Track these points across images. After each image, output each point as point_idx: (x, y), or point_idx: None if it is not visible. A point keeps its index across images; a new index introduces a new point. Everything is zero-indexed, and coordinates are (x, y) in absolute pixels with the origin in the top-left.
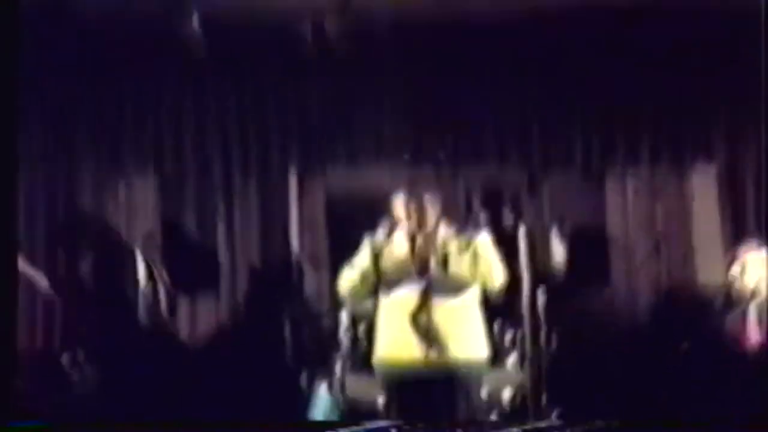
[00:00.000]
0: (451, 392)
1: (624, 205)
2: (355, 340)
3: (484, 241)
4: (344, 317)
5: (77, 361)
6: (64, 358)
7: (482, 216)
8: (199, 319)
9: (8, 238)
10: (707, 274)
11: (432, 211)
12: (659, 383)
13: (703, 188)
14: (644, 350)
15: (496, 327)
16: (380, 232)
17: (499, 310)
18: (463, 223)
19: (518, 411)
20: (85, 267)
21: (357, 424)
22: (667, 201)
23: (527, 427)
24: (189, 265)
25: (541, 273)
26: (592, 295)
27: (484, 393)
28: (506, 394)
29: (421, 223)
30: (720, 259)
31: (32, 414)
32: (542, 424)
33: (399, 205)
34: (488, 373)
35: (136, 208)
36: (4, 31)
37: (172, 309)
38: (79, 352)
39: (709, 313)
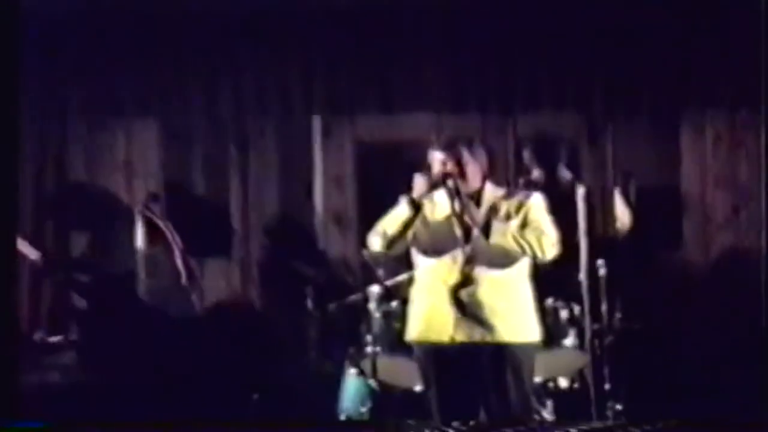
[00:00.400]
0: (497, 380)
1: (701, 158)
2: (388, 315)
3: (537, 203)
4: (376, 288)
5: (69, 342)
6: (55, 338)
7: (535, 174)
8: (208, 290)
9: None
10: None
11: (476, 168)
12: (740, 374)
13: None
14: (723, 332)
15: (550, 303)
16: (418, 190)
17: (553, 283)
18: (513, 182)
19: (576, 402)
20: (78, 237)
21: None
22: (752, 153)
23: (584, 427)
24: (197, 229)
25: (603, 240)
26: (662, 266)
27: (536, 381)
28: (563, 382)
29: (463, 182)
30: None
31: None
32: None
33: (438, 160)
34: (541, 358)
35: (135, 164)
36: None
37: (191, 276)
38: (72, 332)
39: None
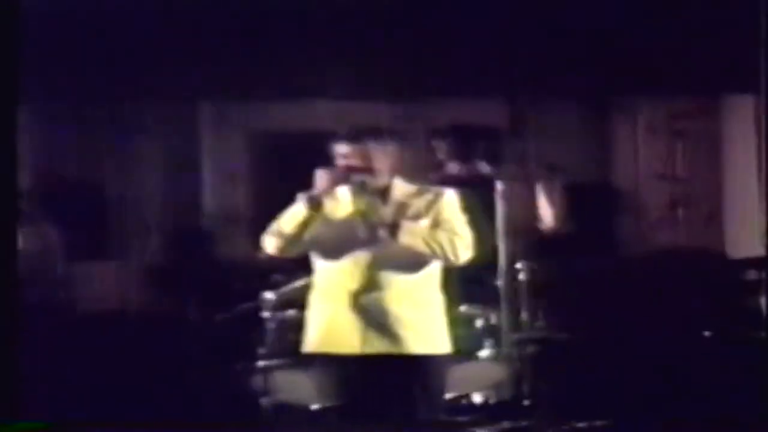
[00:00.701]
0: (405, 396)
1: (634, 148)
2: (283, 325)
3: (450, 201)
4: (270, 295)
5: None
6: None
7: (449, 169)
8: (82, 298)
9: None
10: (740, 240)
11: (384, 162)
12: (672, 378)
13: (740, 126)
14: (656, 338)
15: (464, 310)
16: (319, 186)
17: (468, 288)
18: (425, 178)
19: (491, 420)
20: None
21: None
22: (690, 143)
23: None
24: (70, 229)
25: (524, 241)
26: (590, 269)
27: (447, 396)
28: (477, 397)
29: (370, 177)
30: (759, 222)
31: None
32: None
33: (341, 153)
34: (454, 371)
35: None
36: None
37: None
38: None
39: (741, 292)
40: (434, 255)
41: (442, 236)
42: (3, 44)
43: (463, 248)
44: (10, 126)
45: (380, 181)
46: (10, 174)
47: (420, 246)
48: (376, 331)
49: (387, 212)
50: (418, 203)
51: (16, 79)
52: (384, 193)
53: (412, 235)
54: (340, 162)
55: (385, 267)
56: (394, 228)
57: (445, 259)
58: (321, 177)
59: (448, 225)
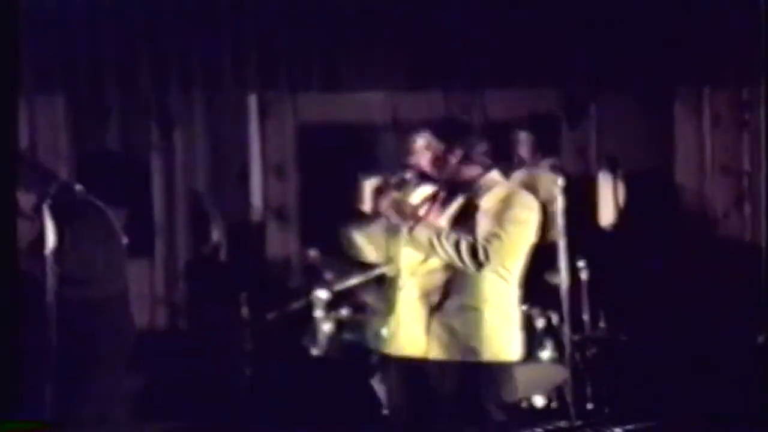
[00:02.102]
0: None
1: (698, 142)
2: (340, 324)
3: (487, 196)
4: (323, 294)
5: None
6: None
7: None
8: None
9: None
10: None
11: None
12: (733, 379)
13: None
14: (719, 337)
15: (523, 311)
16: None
17: (528, 288)
18: None
19: (553, 424)
20: None
21: None
22: (755, 135)
23: None
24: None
25: (585, 238)
26: (652, 267)
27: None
28: (539, 400)
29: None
30: None
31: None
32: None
33: (422, 145)
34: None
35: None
36: None
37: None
38: None
39: None
40: (444, 259)
41: (450, 239)
42: (3, 43)
43: (471, 253)
44: (9, 123)
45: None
46: (10, 173)
47: (427, 249)
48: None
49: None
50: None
51: (15, 79)
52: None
53: (420, 235)
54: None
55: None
56: (411, 228)
57: (454, 263)
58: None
59: (478, 224)
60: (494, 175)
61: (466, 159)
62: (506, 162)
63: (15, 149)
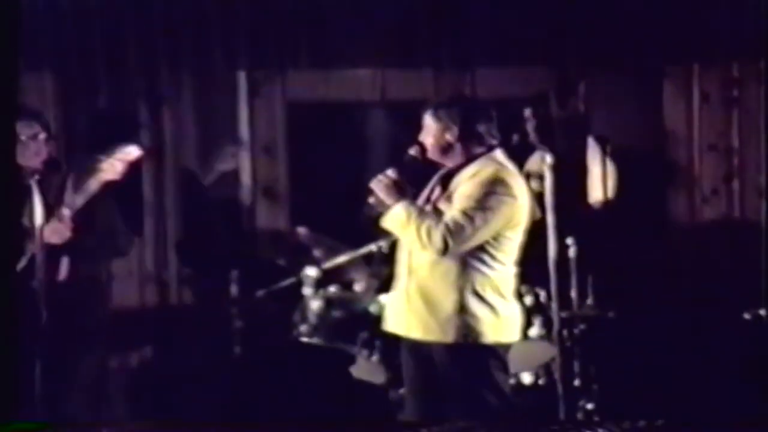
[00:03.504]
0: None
1: (688, 117)
2: (330, 302)
3: (467, 176)
4: (312, 272)
5: None
6: None
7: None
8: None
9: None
10: None
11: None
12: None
13: None
14: (711, 321)
15: None
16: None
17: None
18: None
19: (541, 400)
20: None
21: None
22: (747, 113)
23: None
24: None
25: (573, 215)
26: (642, 244)
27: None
28: (526, 377)
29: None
30: None
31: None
32: None
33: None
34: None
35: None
36: None
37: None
38: None
39: None
40: (413, 240)
41: (416, 222)
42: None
43: (441, 238)
44: (10, 121)
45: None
46: (10, 171)
47: (400, 233)
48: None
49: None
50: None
51: (15, 76)
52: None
53: (392, 221)
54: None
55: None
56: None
57: (421, 246)
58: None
59: (449, 207)
60: (496, 154)
61: (470, 138)
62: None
63: (14, 146)
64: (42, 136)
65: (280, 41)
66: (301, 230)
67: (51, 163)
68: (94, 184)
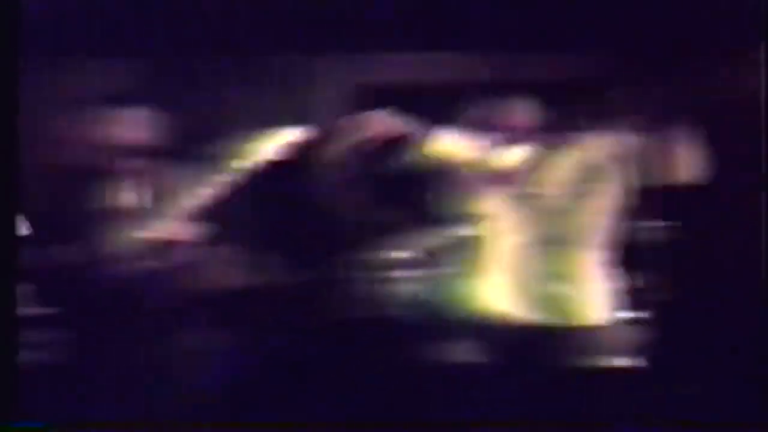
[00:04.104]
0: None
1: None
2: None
3: None
4: (401, 253)
5: None
6: None
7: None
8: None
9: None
10: None
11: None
12: None
13: None
14: None
15: None
16: None
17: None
18: None
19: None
20: None
21: None
22: None
23: None
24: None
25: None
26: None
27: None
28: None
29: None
30: None
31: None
32: None
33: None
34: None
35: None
36: None
37: None
38: None
39: None
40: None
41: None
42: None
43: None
44: (9, 118)
45: None
46: (10, 169)
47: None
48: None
49: None
50: None
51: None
52: None
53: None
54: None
55: None
56: None
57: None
58: None
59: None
60: (586, 138)
61: (559, 122)
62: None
63: (17, 144)
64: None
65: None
66: (389, 210)
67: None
68: (241, 164)
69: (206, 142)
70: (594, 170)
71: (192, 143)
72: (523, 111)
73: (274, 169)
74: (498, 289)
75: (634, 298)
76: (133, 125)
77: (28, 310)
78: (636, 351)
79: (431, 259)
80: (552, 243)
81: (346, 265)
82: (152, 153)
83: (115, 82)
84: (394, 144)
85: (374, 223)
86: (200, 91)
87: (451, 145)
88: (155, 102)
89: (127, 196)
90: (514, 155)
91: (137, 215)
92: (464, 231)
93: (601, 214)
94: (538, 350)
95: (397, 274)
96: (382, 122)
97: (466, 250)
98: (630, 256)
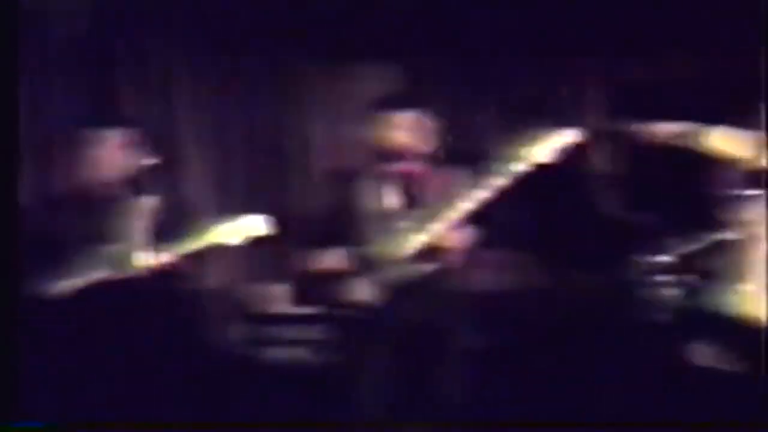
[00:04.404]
0: None
1: None
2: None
3: None
4: (663, 257)
5: None
6: None
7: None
8: None
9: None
10: None
11: None
12: None
13: None
14: None
15: None
16: None
17: None
18: None
19: None
20: None
21: None
22: None
23: None
24: None
25: None
26: None
27: None
28: None
29: None
30: None
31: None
32: None
33: None
34: None
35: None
36: None
37: None
38: None
39: None
40: None
41: None
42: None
43: None
44: (9, 120)
45: None
46: (10, 168)
47: None
48: None
49: None
50: None
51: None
52: None
53: None
54: None
55: None
56: None
57: None
58: None
59: None
60: None
61: None
62: None
63: (16, 143)
64: None
65: None
66: (650, 215)
67: None
68: (519, 167)
69: (479, 144)
70: None
71: (465, 146)
72: None
73: (547, 171)
74: (755, 295)
75: None
76: (405, 128)
77: (295, 309)
78: None
79: (691, 263)
80: None
81: (614, 268)
82: (424, 156)
83: (388, 86)
84: (668, 146)
85: (637, 226)
86: (474, 94)
87: (725, 142)
88: (427, 105)
89: (398, 200)
90: None
91: (408, 219)
92: (724, 235)
93: None
94: None
95: (658, 278)
96: (657, 127)
97: (725, 255)
98: None
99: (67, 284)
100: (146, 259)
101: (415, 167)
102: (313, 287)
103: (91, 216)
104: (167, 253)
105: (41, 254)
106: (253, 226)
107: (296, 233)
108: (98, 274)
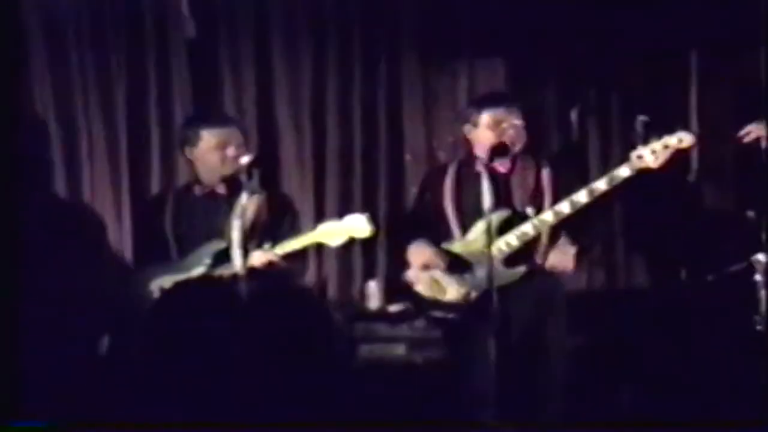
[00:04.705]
0: None
1: None
2: None
3: None
4: (762, 257)
5: None
6: None
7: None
8: None
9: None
10: None
11: None
12: None
13: None
14: None
15: None
16: None
17: None
18: None
19: None
20: None
21: None
22: None
23: None
24: None
25: None
26: None
27: None
28: None
29: None
30: None
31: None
32: None
33: None
34: None
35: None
36: None
37: None
38: None
39: None
40: None
41: None
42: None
43: None
44: (9, 115)
45: None
46: (10, 167)
47: None
48: None
49: None
50: None
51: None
52: None
53: None
54: None
55: None
56: None
57: None
58: None
59: None
60: None
61: None
62: None
63: (15, 141)
64: None
65: None
66: (751, 213)
67: None
68: (624, 172)
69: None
70: None
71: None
72: None
73: (662, 172)
74: None
75: None
76: (505, 126)
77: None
78: None
79: None
80: None
81: (723, 268)
82: (522, 153)
83: (488, 83)
84: None
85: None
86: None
87: None
88: (529, 103)
89: (495, 198)
90: None
91: (504, 217)
92: None
93: None
94: None
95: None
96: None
97: None
98: None
99: (171, 282)
100: (247, 258)
101: (514, 166)
102: (408, 285)
103: (193, 215)
104: (269, 252)
105: (146, 253)
106: (357, 227)
107: (392, 231)
108: (201, 272)
